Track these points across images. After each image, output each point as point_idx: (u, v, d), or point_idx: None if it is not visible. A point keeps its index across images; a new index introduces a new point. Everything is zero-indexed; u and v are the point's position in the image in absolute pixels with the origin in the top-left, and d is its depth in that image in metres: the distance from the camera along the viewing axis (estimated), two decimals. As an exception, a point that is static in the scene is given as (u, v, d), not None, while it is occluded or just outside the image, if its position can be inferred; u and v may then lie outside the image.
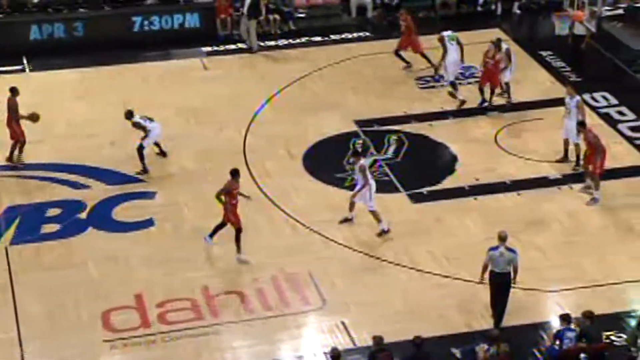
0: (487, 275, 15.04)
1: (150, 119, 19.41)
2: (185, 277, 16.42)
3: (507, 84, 21.51)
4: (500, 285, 14.96)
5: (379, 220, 17.33)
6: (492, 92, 21.34)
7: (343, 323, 15.36)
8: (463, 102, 21.55)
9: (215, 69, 23.98)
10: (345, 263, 16.80)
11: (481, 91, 21.35)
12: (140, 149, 19.22)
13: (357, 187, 17.34)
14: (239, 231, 16.67)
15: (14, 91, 19.50)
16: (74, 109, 21.76)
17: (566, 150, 19.37)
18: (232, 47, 24.98)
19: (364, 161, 17.51)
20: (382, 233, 17.35)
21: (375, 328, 14.69)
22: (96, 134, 20.69)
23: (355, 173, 17.47)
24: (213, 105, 22.11)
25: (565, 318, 14.14)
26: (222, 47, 24.97)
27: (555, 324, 14.59)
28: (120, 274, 16.60)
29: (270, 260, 16.82)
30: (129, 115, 19.25)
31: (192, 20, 25.57)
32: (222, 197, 16.68)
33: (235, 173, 16.78)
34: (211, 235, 16.95)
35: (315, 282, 16.29)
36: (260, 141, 20.54)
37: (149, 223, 17.93)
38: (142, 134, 19.25)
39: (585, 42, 23.07)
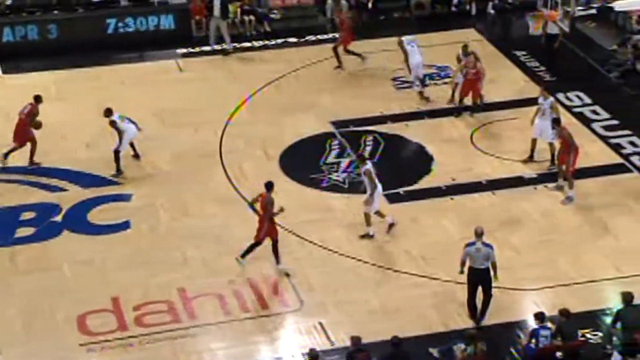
0: (466, 270, 15.10)
1: (129, 119, 19.34)
2: (162, 279, 16.36)
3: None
4: (481, 281, 15.05)
5: (367, 224, 17.24)
6: (475, 102, 21.17)
7: (321, 324, 15.36)
8: (427, 98, 21.72)
9: (190, 70, 23.93)
10: (322, 264, 16.79)
11: (461, 101, 21.23)
12: (117, 152, 19.14)
13: (368, 195, 17.17)
14: (276, 242, 16.35)
15: (37, 99, 19.65)
16: (48, 112, 21.54)
17: (532, 151, 19.45)
18: (208, 48, 24.93)
19: (370, 165, 17.32)
20: (366, 236, 17.27)
21: (353, 328, 14.71)
22: (71, 137, 20.58)
23: (362, 178, 17.29)
24: (188, 106, 22.05)
25: (539, 316, 14.22)
26: (197, 49, 24.92)
27: (532, 323, 14.66)
28: (96, 277, 16.51)
29: (248, 261, 16.76)
30: (108, 113, 19.17)
31: (166, 22, 25.51)
32: (256, 205, 16.44)
33: (269, 186, 16.39)
34: (243, 255, 16.43)
35: (292, 283, 16.28)
36: (237, 142, 20.51)
37: (125, 225, 17.85)
38: (116, 134, 19.17)
39: (558, 42, 23.22)
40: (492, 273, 15.04)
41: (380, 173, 19.15)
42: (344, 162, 19.81)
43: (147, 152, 20.04)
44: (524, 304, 15.76)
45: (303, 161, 19.90)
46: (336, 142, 20.52)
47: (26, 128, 19.53)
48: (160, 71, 23.85)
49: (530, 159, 19.44)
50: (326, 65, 23.62)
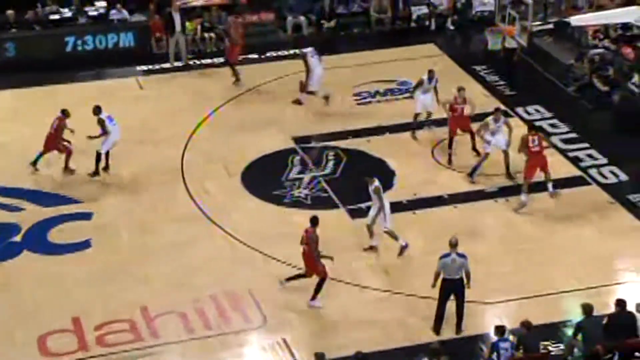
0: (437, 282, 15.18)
1: (112, 120, 19.58)
2: (124, 298, 16.22)
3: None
4: (455, 291, 15.13)
5: (395, 238, 17.16)
6: (473, 138, 20.16)
7: (284, 340, 15.31)
8: (299, 101, 21.97)
9: (151, 87, 23.83)
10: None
11: (451, 142, 20.10)
12: (99, 155, 19.29)
13: (373, 211, 17.15)
14: (323, 280, 15.92)
15: (64, 113, 19.67)
16: (7, 131, 21.42)
17: (507, 167, 19.58)
18: (168, 65, 24.85)
19: (378, 183, 17.24)
20: (402, 250, 17.13)
21: (317, 344, 14.69)
22: (30, 156, 20.36)
23: (372, 196, 17.20)
24: (149, 124, 21.97)
25: (499, 330, 14.27)
26: (157, 66, 24.84)
27: (494, 335, 14.71)
28: (56, 297, 16.33)
29: (210, 278, 16.71)
30: (98, 110, 19.34)
31: (126, 40, 25.41)
32: (304, 246, 15.87)
33: (314, 221, 15.95)
34: (314, 296, 16.02)
35: (255, 300, 16.21)
36: (198, 159, 20.45)
37: (85, 244, 17.69)
38: (101, 139, 19.39)
39: (517, 56, 23.45)
40: (465, 282, 15.11)
41: (342, 188, 19.26)
42: (307, 177, 19.82)
43: (109, 170, 19.88)
44: (487, 316, 15.82)
45: (265, 178, 19.87)
46: (298, 158, 20.54)
47: (56, 141, 19.57)
48: (120, 89, 23.73)
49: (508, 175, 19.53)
50: (287, 81, 23.66)
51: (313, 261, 15.83)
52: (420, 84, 20.80)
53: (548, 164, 18.75)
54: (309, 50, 22.26)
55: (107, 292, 16.39)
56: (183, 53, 24.82)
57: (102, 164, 19.68)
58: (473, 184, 19.36)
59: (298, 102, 22.35)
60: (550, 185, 18.71)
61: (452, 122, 20.16)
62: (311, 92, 22.32)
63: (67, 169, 19.77)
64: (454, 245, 15.14)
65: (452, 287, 15.13)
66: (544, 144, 18.83)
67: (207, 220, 18.37)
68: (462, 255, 15.14)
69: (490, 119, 19.46)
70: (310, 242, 15.80)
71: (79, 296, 16.32)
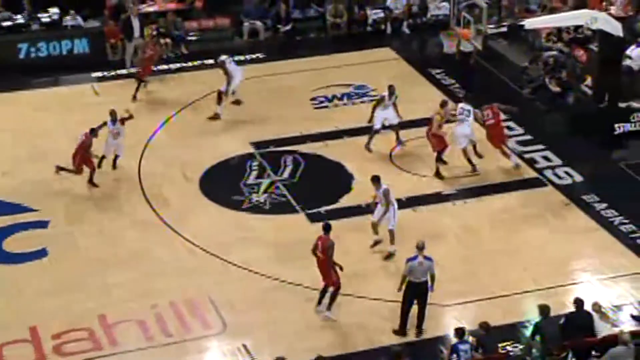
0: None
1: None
2: (82, 307, 16.08)
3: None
4: (419, 294, 15.19)
5: (391, 241, 17.25)
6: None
7: (245, 346, 15.26)
8: (218, 115, 21.75)
9: (106, 94, 23.63)
10: (245, 285, 16.71)
11: (439, 158, 19.89)
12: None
13: (380, 211, 17.24)
14: (337, 290, 15.68)
15: (92, 132, 19.45)
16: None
17: (470, 160, 19.83)
18: (124, 72, 24.68)
19: (386, 185, 17.38)
20: (389, 255, 17.21)
21: (277, 349, 14.67)
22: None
23: (380, 198, 17.29)
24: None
25: (458, 332, 14.36)
26: (112, 72, 24.66)
27: (453, 337, 14.80)
28: (13, 306, 16.14)
29: (169, 285, 16.62)
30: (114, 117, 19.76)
31: (80, 46, 25.19)
32: (318, 254, 15.59)
33: (328, 228, 15.75)
34: (329, 307, 15.80)
35: (215, 306, 16.15)
36: (156, 166, 20.32)
37: (42, 253, 17.51)
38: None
39: (473, 59, 23.65)
40: (429, 285, 15.20)
41: (301, 193, 19.26)
42: (265, 182, 19.80)
43: (65, 177, 19.71)
44: (447, 318, 15.91)
45: (223, 183, 19.81)
46: (256, 163, 20.50)
47: (83, 157, 19.34)
48: (75, 95, 23.51)
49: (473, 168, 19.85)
50: (244, 86, 23.60)
51: (328, 270, 15.59)
52: (381, 100, 20.66)
53: (505, 137, 19.33)
54: (225, 57, 22.14)
55: (65, 301, 16.23)
56: (130, 57, 24.67)
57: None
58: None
59: (216, 116, 21.86)
60: (513, 159, 19.51)
61: (435, 141, 19.82)
62: (237, 102, 22.13)
63: (91, 182, 19.44)
64: (421, 248, 15.21)
65: (418, 290, 15.18)
66: (501, 115, 19.50)
67: (165, 227, 18.26)
68: (428, 259, 15.21)
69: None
70: (326, 250, 15.56)
71: (36, 305, 16.13)
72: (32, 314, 15.90)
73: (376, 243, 17.50)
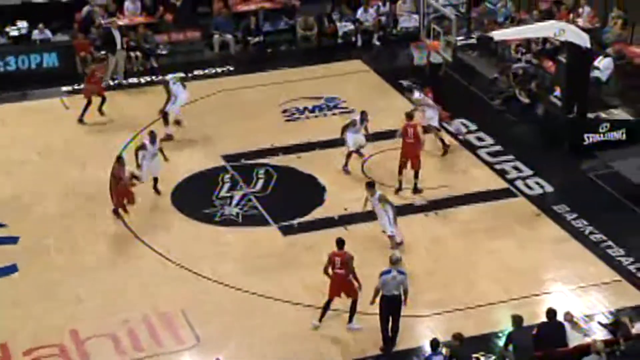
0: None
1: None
2: (53, 323, 15.95)
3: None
4: (392, 308, 15.21)
5: (393, 245, 17.56)
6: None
7: (218, 359, 15.23)
8: (170, 136, 21.58)
9: (76, 107, 23.47)
10: (217, 299, 16.66)
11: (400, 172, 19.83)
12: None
13: (385, 219, 17.58)
14: (356, 301, 15.69)
15: (120, 160, 19.02)
16: None
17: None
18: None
19: (381, 191, 17.71)
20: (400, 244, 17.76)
21: (251, 363, 14.63)
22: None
23: (375, 204, 17.63)
24: (76, 144, 21.67)
25: (432, 344, 14.39)
26: (82, 86, 24.51)
27: (427, 349, 14.83)
28: (-17, 323, 15.99)
29: (141, 299, 16.53)
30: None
31: (50, 60, 25.04)
32: (336, 270, 15.57)
33: (341, 243, 15.73)
34: (350, 319, 15.87)
35: (188, 320, 16.08)
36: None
37: (12, 269, 17.35)
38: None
39: (443, 71, 23.78)
40: (402, 299, 15.21)
41: (273, 206, 19.23)
42: (237, 195, 19.77)
43: (34, 192, 19.58)
44: (419, 330, 15.94)
45: (195, 196, 19.75)
46: (228, 176, 20.47)
47: (117, 187, 18.99)
48: (45, 109, 23.37)
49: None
50: (214, 99, 23.59)
51: (348, 283, 15.56)
52: (352, 124, 20.53)
53: (419, 160, 19.36)
54: (170, 77, 22.04)
55: (36, 316, 16.10)
56: (121, 70, 24.59)
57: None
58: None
59: (169, 137, 21.58)
60: (416, 182, 19.48)
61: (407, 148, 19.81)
62: (177, 122, 21.96)
63: (116, 213, 19.00)
64: (394, 262, 15.22)
65: (390, 304, 15.18)
66: (421, 137, 19.47)
67: (137, 241, 18.17)
68: (401, 272, 15.22)
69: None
70: (346, 264, 15.53)
71: (6, 321, 15.99)
72: (2, 330, 15.75)
73: (398, 244, 17.79)
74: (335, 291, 15.65)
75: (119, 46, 24.47)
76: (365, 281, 15.65)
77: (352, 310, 15.75)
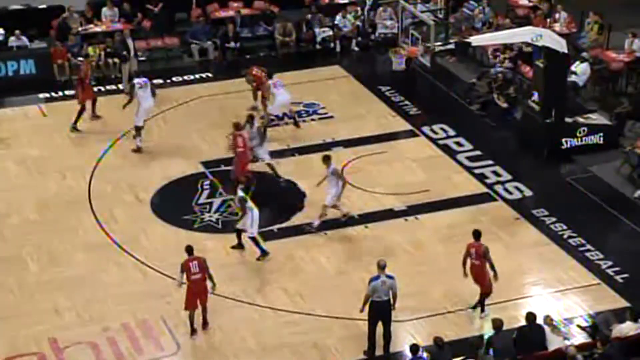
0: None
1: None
2: (32, 331, 15.85)
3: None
4: (383, 313, 15.20)
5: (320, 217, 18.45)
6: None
7: (199, 367, 15.18)
8: (139, 148, 21.34)
9: (54, 115, 23.39)
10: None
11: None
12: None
13: (332, 191, 18.33)
14: (486, 295, 16.13)
15: (189, 250, 16.15)
16: None
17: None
18: (71, 92, 24.45)
19: (334, 165, 18.54)
20: (347, 216, 18.61)
21: (232, 370, 14.59)
22: None
23: (330, 178, 18.38)
24: (54, 152, 21.57)
25: (412, 349, 14.41)
26: (59, 93, 24.44)
27: (408, 354, 14.85)
28: (-39, 332, 15.86)
29: (121, 307, 16.46)
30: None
31: (27, 67, 24.91)
32: (473, 261, 15.95)
33: (478, 235, 16.16)
34: (482, 310, 16.27)
35: (168, 327, 16.02)
36: (106, 187, 20.14)
37: (-10, 278, 17.24)
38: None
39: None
40: (392, 303, 15.24)
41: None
42: (216, 201, 19.73)
43: (12, 201, 19.45)
44: (401, 335, 15.94)
45: (175, 203, 19.70)
46: (207, 182, 20.43)
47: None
48: (22, 117, 23.24)
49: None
50: (192, 106, 23.54)
51: (484, 274, 15.91)
52: (251, 139, 20.19)
53: (246, 166, 19.54)
54: (137, 80, 21.82)
55: (15, 325, 15.99)
56: (125, 80, 24.36)
57: None
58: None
59: (138, 150, 21.43)
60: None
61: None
62: (140, 128, 21.66)
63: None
64: (382, 267, 15.22)
65: (381, 309, 15.18)
66: (248, 144, 19.64)
67: (117, 248, 18.09)
68: (390, 277, 15.23)
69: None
70: (482, 255, 15.90)
71: (-16, 331, 15.88)
72: (-20, 339, 15.64)
73: (345, 215, 18.56)
74: (474, 280, 16.05)
75: (132, 53, 24.39)
76: (346, 288, 15.62)
77: (482, 302, 16.14)
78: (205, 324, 15.92)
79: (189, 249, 15.81)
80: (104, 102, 24.05)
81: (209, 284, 15.79)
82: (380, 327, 15.35)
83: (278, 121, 22.81)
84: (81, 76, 22.74)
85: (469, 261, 16.07)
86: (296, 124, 22.48)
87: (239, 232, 17.85)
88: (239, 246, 17.98)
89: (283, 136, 22.31)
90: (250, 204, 17.58)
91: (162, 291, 16.87)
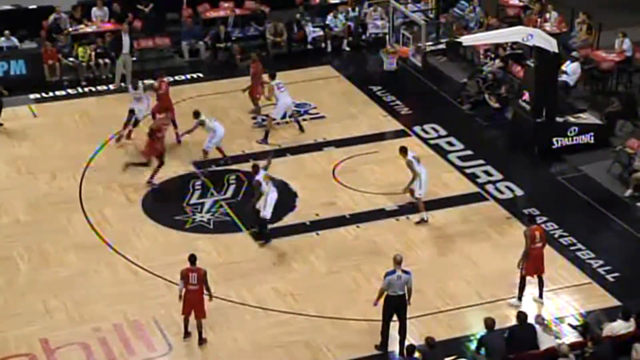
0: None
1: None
2: (23, 332, 15.80)
3: None
4: (399, 307, 15.22)
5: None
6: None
7: (191, 367, 15.16)
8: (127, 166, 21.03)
9: (45, 115, 23.34)
10: (190, 306, 16.57)
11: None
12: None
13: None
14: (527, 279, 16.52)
15: (192, 259, 15.70)
16: None
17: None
18: (62, 93, 24.41)
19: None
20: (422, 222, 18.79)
21: (224, 370, 14.58)
22: None
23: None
24: (45, 152, 21.52)
25: (408, 349, 14.41)
26: (50, 94, 24.38)
27: (397, 355, 14.87)
28: (-48, 333, 15.81)
29: (113, 308, 16.43)
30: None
31: (17, 68, 24.85)
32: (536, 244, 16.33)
33: (534, 219, 16.94)
34: (519, 297, 16.60)
35: (160, 327, 16.00)
36: (97, 187, 20.10)
37: (-19, 278, 17.20)
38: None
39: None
40: (407, 298, 15.25)
41: (245, 212, 19.18)
42: (208, 202, 19.71)
43: (2, 202, 19.41)
44: (392, 334, 15.93)
45: (166, 203, 19.67)
46: (199, 182, 20.41)
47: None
48: (12, 118, 23.16)
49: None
50: (183, 106, 23.49)
51: (541, 260, 16.45)
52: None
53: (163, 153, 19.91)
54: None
55: (6, 326, 15.94)
56: (128, 75, 24.37)
57: None
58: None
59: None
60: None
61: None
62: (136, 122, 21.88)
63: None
64: (399, 262, 15.22)
65: (396, 304, 15.19)
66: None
67: (108, 249, 18.06)
68: (406, 272, 15.24)
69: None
70: (545, 239, 16.56)
71: (-25, 332, 15.83)
72: (-29, 340, 15.60)
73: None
74: (532, 270, 16.41)
75: (125, 50, 24.38)
76: (338, 287, 15.62)
77: (521, 287, 16.47)
78: (200, 340, 15.59)
79: (192, 258, 15.57)
80: (95, 102, 24.05)
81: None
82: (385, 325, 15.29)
83: (279, 120, 22.82)
84: None
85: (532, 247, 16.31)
86: (301, 129, 22.39)
87: (261, 224, 17.95)
88: (264, 237, 18.12)
89: (274, 136, 22.29)
90: (264, 187, 17.70)
91: (153, 292, 16.84)
